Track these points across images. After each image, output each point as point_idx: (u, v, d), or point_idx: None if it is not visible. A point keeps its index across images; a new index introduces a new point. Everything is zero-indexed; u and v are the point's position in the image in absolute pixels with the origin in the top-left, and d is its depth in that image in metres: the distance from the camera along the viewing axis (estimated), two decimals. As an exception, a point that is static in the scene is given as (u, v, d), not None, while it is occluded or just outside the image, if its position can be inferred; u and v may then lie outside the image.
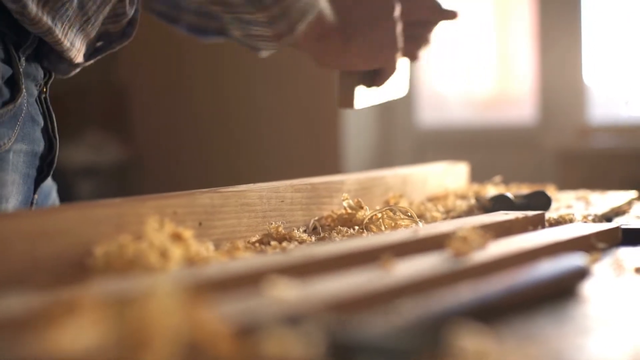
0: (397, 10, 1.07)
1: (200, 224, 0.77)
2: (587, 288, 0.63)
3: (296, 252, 0.65)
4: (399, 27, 1.08)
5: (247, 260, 0.64)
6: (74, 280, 0.55)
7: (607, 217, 1.07)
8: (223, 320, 0.42)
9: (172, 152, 3.66)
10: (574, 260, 0.65)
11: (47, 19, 0.88)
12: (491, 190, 1.28)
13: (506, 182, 1.41)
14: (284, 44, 1.02)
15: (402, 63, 1.20)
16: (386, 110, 3.45)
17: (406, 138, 3.47)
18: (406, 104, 3.43)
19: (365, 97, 1.14)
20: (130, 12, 0.98)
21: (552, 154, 3.14)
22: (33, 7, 0.86)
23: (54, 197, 1.09)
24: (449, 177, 1.37)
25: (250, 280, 0.55)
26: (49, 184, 1.06)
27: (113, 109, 3.71)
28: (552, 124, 3.20)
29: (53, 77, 0.99)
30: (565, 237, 0.77)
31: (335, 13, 1.05)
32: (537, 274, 0.60)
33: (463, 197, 1.24)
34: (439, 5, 1.18)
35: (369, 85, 1.13)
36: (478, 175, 1.55)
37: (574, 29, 3.13)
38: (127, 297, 0.43)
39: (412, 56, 1.20)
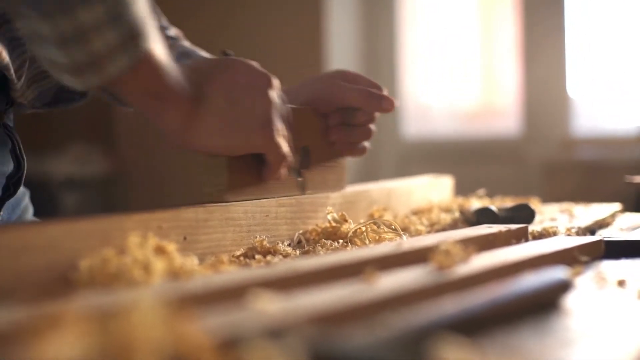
0: (273, 86, 0.88)
1: (185, 238, 0.77)
2: (570, 301, 0.64)
3: (280, 266, 0.65)
4: (275, 107, 0.87)
5: (231, 273, 0.64)
6: (58, 294, 0.55)
7: (591, 230, 1.08)
8: (206, 333, 0.42)
9: (157, 166, 3.65)
10: (557, 273, 0.65)
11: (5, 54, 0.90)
12: (475, 203, 1.29)
13: (490, 194, 1.41)
14: (91, 83, 0.72)
15: (332, 155, 1.08)
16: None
17: (391, 150, 3.47)
18: (391, 116, 3.43)
19: (251, 189, 0.91)
20: None
21: (536, 166, 3.15)
22: None
23: (25, 203, 1.09)
24: (434, 190, 1.38)
25: (234, 294, 0.55)
26: (20, 191, 1.04)
27: (98, 122, 3.70)
28: (537, 136, 3.21)
29: (14, 105, 0.99)
30: (548, 250, 0.78)
31: (187, 74, 0.81)
32: (520, 287, 0.60)
33: (447, 210, 1.24)
34: (367, 93, 1.04)
35: (253, 178, 0.91)
36: (462, 188, 1.55)
37: (558, 42, 3.15)
38: (111, 310, 0.43)
39: (347, 149, 1.10)
